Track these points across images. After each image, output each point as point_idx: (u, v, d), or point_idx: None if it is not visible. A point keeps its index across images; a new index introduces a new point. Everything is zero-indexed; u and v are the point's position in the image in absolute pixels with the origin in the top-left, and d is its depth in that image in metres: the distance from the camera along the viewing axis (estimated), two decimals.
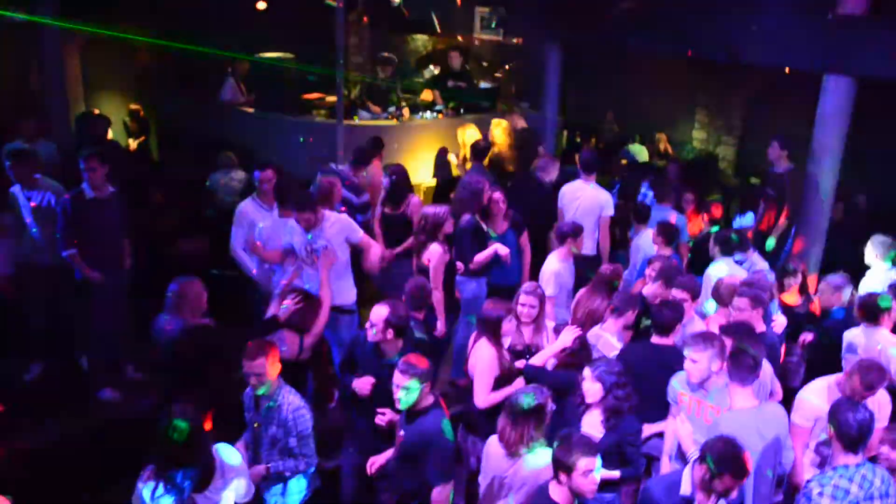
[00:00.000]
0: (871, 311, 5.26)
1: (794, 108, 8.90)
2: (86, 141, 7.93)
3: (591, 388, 4.32)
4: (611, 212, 7.42)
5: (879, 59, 6.83)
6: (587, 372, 4.37)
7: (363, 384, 4.69)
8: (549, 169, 7.89)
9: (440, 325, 6.00)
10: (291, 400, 4.30)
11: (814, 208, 7.50)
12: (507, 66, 11.91)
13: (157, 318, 5.00)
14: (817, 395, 4.62)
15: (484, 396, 4.89)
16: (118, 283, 6.35)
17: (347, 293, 6.04)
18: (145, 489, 3.58)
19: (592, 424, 4.39)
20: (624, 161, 11.11)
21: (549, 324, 5.52)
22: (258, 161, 7.03)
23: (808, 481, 3.88)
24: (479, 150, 8.24)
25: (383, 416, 4.57)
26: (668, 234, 6.70)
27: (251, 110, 10.19)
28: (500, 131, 9.39)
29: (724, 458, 3.55)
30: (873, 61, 6.89)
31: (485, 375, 4.89)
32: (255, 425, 4.39)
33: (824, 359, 5.43)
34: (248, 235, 6.30)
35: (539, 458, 3.94)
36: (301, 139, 9.61)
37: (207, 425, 4.57)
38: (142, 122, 11.17)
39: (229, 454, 3.81)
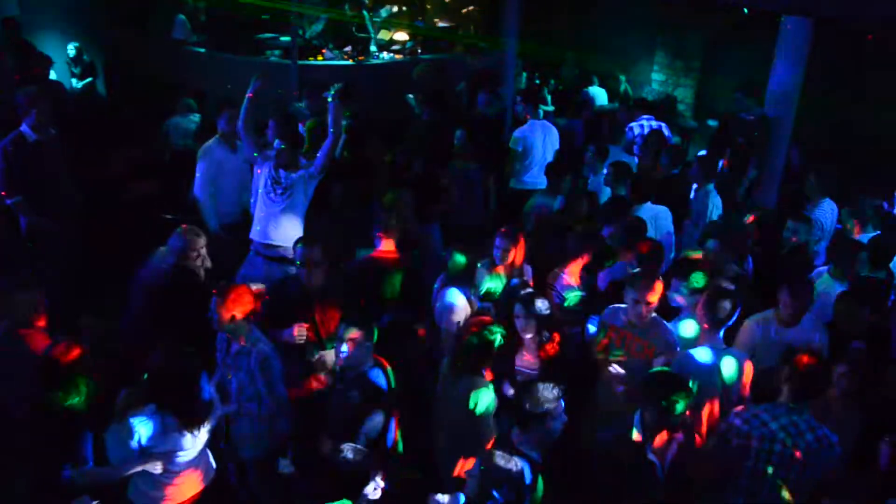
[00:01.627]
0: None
1: (753, 50, 8.88)
2: (25, 81, 7.59)
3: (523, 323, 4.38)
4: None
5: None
6: (517, 308, 4.41)
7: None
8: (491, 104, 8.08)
9: None
10: (261, 349, 4.23)
11: (771, 151, 7.53)
12: (468, 6, 11.67)
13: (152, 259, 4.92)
14: (756, 323, 4.70)
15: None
16: (68, 229, 6.17)
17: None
18: (142, 424, 3.63)
19: (528, 360, 4.45)
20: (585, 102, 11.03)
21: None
22: (213, 102, 6.84)
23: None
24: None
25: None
26: (619, 172, 6.72)
27: (203, 50, 9.86)
28: None
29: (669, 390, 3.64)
30: (831, 2, 6.87)
31: (452, 325, 4.81)
32: (226, 367, 4.33)
33: None
34: (216, 177, 6.14)
35: (484, 396, 3.99)
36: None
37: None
38: (87, 63, 10.73)
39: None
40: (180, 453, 3.79)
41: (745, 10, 8.46)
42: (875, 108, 9.05)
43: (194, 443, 3.82)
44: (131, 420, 3.64)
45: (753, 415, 3.73)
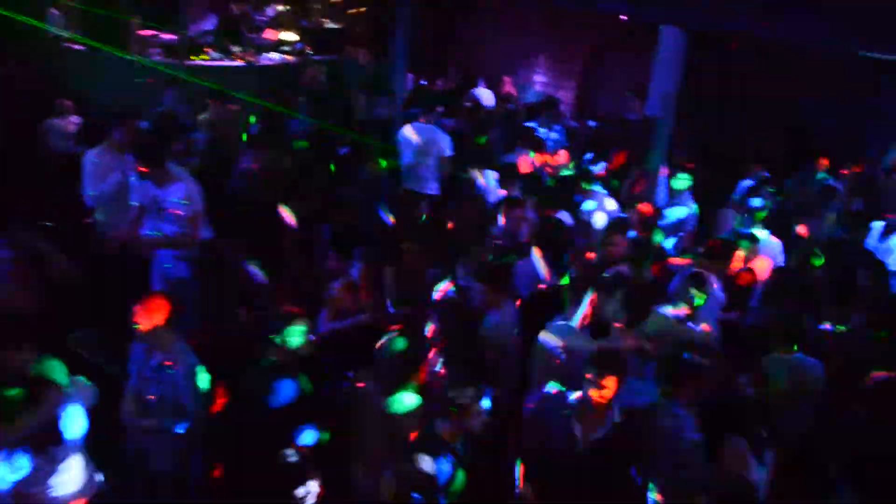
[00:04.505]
0: None
1: (633, 56, 9.39)
2: None
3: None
4: (448, 152, 7.52)
5: (709, 11, 7.33)
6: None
7: None
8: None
9: None
10: (184, 358, 4.14)
11: (652, 151, 7.98)
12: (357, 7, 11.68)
13: None
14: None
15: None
16: None
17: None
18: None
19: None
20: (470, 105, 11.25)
21: None
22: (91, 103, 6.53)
23: None
24: None
25: None
26: (508, 174, 7.03)
27: (81, 47, 9.36)
28: None
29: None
30: (704, 14, 7.38)
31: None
32: (143, 380, 4.18)
33: None
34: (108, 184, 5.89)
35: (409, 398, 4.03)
36: (138, 80, 8.96)
37: None
38: None
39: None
40: None
41: (625, 18, 8.93)
42: (740, 111, 9.80)
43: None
44: None
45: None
